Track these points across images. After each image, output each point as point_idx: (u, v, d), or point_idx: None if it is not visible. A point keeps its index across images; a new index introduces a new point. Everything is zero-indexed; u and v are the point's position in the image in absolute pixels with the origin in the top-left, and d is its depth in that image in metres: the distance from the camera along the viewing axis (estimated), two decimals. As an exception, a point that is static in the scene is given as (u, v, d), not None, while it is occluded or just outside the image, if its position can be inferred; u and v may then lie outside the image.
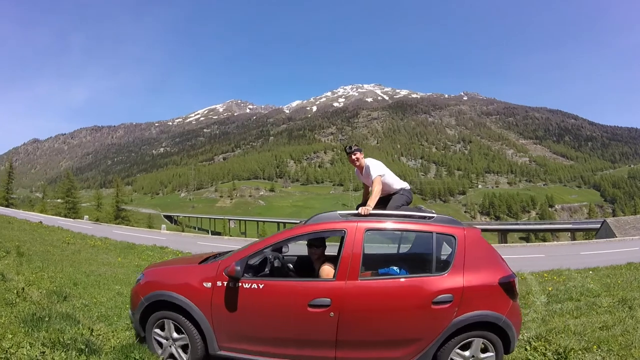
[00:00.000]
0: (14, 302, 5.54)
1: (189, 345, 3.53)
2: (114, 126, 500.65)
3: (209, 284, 3.48)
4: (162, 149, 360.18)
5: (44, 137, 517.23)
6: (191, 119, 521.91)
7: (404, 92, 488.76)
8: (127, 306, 4.72)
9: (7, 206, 51.73)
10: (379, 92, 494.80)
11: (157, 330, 3.72)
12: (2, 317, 4.67)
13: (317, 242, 3.98)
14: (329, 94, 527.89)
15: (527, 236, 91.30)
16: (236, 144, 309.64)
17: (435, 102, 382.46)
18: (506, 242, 60.58)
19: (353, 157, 4.58)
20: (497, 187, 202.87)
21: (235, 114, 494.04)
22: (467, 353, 3.30)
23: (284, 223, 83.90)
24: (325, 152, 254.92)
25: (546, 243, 39.60)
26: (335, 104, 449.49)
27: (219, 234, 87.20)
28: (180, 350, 3.61)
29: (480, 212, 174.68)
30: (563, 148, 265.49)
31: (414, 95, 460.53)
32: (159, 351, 3.69)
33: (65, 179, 70.33)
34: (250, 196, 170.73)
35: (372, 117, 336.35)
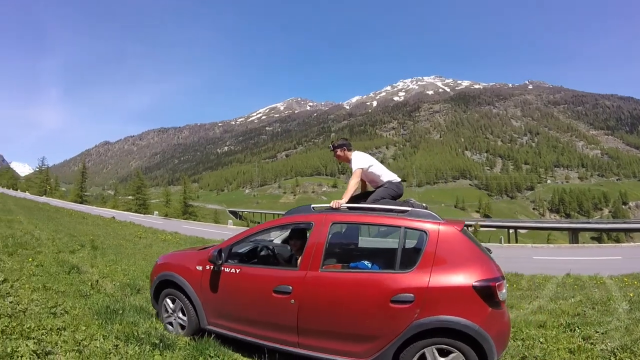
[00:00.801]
0: (88, 294, 6.00)
1: (187, 317, 4.44)
2: (180, 127, 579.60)
3: (200, 267, 4.31)
4: (226, 148, 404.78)
5: (114, 140, 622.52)
6: (253, 118, 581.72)
7: (465, 83, 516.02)
8: None
9: (81, 203, 60.59)
10: (439, 84, 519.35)
11: (168, 302, 4.69)
12: (76, 308, 5.04)
13: (295, 234, 4.46)
14: (388, 88, 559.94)
15: (599, 236, 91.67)
16: (298, 141, 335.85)
17: (499, 93, 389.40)
18: (577, 242, 58.88)
19: (338, 152, 4.82)
20: (567, 182, 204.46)
21: (296, 112, 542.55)
22: None
23: None
24: (387, 148, 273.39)
25: (622, 244, 37.50)
26: (396, 98, 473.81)
27: None
28: (180, 321, 4.56)
29: (550, 209, 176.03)
30: (637, 139, 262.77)
31: (477, 86, 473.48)
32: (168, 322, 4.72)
33: (135, 178, 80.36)
34: (313, 192, 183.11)
35: (434, 111, 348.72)
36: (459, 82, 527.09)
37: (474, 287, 3.21)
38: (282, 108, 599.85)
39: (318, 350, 3.64)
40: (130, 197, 76.70)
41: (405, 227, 3.56)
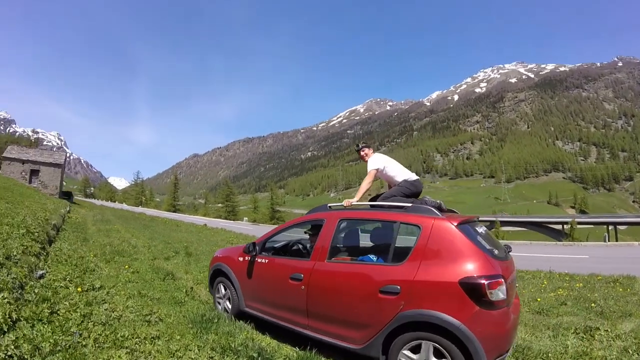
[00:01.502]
0: (182, 301, 6.17)
1: (231, 300, 5.66)
2: (264, 136, 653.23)
3: (241, 258, 5.46)
4: (309, 153, 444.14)
5: (203, 152, 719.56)
6: (334, 122, 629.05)
7: (550, 67, 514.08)
8: None
9: (174, 211, 69.72)
10: (522, 70, 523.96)
11: (220, 288, 5.98)
12: (170, 316, 5.14)
13: (313, 229, 5.27)
14: (469, 80, 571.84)
15: None
16: (380, 142, 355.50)
17: (587, 73, 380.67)
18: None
19: (362, 153, 5.78)
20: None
21: (376, 113, 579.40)
22: (416, 357, 3.46)
23: None
24: (472, 143, 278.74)
25: None
26: (477, 90, 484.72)
27: None
28: (227, 304, 5.77)
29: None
30: None
31: (562, 69, 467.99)
32: (218, 304, 6.01)
33: (224, 186, 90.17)
34: None
35: (519, 99, 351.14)
36: (543, 66, 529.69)
37: (460, 283, 3.34)
38: (362, 110, 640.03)
39: (322, 333, 4.31)
40: (219, 204, 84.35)
41: (401, 222, 4.01)
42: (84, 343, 3.92)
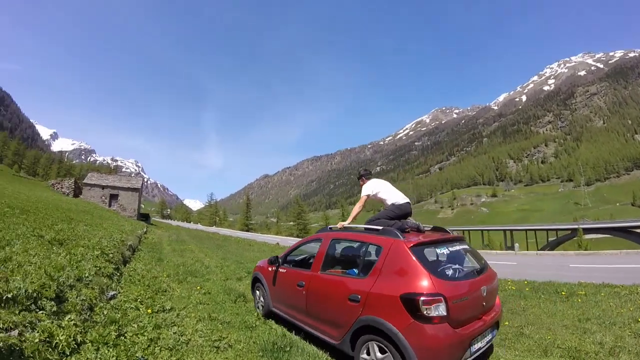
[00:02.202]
0: (253, 325, 5.99)
1: (264, 302, 6.99)
2: (331, 154, 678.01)
3: (270, 268, 6.83)
4: (378, 168, 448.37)
5: (273, 172, 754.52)
6: (401, 134, 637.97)
7: (618, 54, 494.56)
8: None
9: (247, 230, 72.90)
10: (590, 61, 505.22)
11: (256, 293, 7.47)
12: (240, 342, 4.95)
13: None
14: (535, 78, 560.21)
15: None
16: (450, 151, 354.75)
17: None
18: None
19: (360, 181, 6.97)
20: None
21: (442, 122, 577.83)
22: (370, 354, 4.28)
23: (510, 230, 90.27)
24: (546, 145, 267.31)
25: None
26: (546, 88, 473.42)
27: None
28: (261, 305, 7.12)
29: None
30: None
31: (632, 54, 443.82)
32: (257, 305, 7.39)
33: (295, 204, 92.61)
34: (471, 204, 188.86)
35: (591, 93, 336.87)
36: (611, 54, 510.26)
37: (400, 297, 3.99)
38: (428, 120, 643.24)
39: (314, 329, 5.41)
40: (291, 223, 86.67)
41: (369, 243, 4.93)
42: (149, 369, 3.79)
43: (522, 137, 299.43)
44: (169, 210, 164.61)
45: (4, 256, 6.35)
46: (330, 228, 6.13)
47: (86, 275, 6.65)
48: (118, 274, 8.92)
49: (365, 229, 5.32)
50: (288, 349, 4.80)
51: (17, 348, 3.05)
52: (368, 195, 6.39)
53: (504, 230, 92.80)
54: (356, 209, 6.55)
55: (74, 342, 3.84)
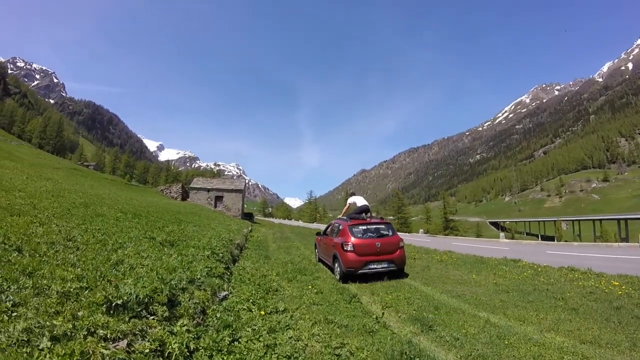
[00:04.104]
0: (373, 329, 5.57)
1: (317, 256, 14.95)
2: (428, 144, 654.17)
3: (318, 238, 14.70)
4: (477, 156, 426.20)
5: (370, 167, 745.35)
6: (500, 118, 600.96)
7: None
8: (507, 343, 5.23)
9: None
10: None
11: (315, 252, 15.65)
12: (363, 350, 4.52)
13: (332, 225, 13.31)
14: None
15: None
16: (554, 133, 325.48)
17: None
18: None
19: (348, 196, 14.96)
20: None
21: (544, 101, 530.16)
22: (335, 266, 11.41)
23: (625, 220, 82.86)
24: None
25: None
26: None
27: (550, 238, 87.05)
28: (316, 258, 15.03)
29: None
30: None
31: None
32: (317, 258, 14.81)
33: (394, 198, 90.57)
34: (581, 191, 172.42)
35: None
36: None
37: (340, 243, 10.65)
38: (527, 100, 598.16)
39: (327, 261, 12.60)
40: (391, 217, 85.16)
41: (340, 224, 11.87)
42: (266, 382, 3.43)
43: (633, 111, 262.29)
44: (270, 208, 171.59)
45: (116, 259, 6.48)
46: (339, 218, 13.15)
47: (198, 276, 6.64)
48: (228, 273, 8.98)
49: (347, 217, 12.08)
50: (417, 359, 4.21)
51: (126, 361, 2.82)
52: (349, 204, 13.08)
53: (618, 220, 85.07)
54: (345, 209, 13.21)
55: (186, 350, 3.64)
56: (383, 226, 11.01)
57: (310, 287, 8.40)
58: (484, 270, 11.34)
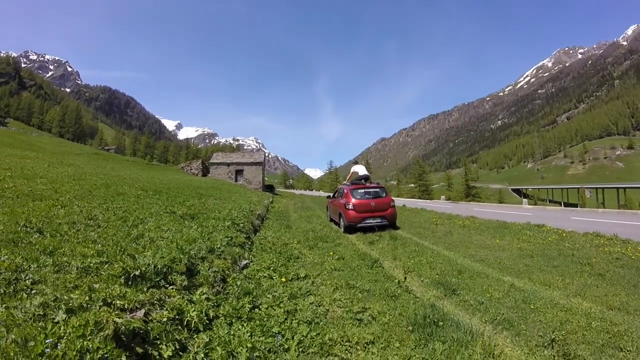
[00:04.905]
0: (395, 294, 5.49)
1: (327, 216, 18.13)
2: (448, 111, 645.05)
3: (328, 200, 18.10)
4: (499, 122, 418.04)
5: (389, 135, 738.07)
6: (521, 83, 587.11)
7: None
8: (532, 307, 5.14)
9: None
10: None
11: (327, 212, 18.54)
12: (385, 314, 4.46)
13: (339, 190, 16.01)
14: None
15: None
16: (577, 98, 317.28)
17: None
18: None
19: (353, 163, 17.23)
20: None
21: (566, 65, 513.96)
22: (340, 221, 14.47)
23: None
24: None
25: None
26: None
27: (573, 205, 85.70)
28: (327, 217, 18.24)
29: None
30: None
31: None
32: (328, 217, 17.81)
33: (415, 166, 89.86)
34: (605, 158, 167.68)
35: None
36: None
37: (343, 203, 13.50)
38: (550, 64, 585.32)
39: (336, 220, 15.34)
40: (412, 185, 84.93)
41: (344, 188, 14.54)
42: (286, 346, 3.40)
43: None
44: (291, 180, 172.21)
45: (136, 233, 6.57)
46: (344, 184, 15.69)
47: (218, 246, 6.64)
48: (249, 242, 8.99)
49: (350, 183, 15.11)
50: (441, 323, 4.12)
51: (142, 330, 2.78)
52: (351, 172, 15.84)
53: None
54: (349, 176, 16.16)
55: (205, 318, 3.62)
56: (378, 190, 13.83)
57: (331, 253, 8.33)
58: (507, 235, 11.11)
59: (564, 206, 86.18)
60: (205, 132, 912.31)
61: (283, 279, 5.82)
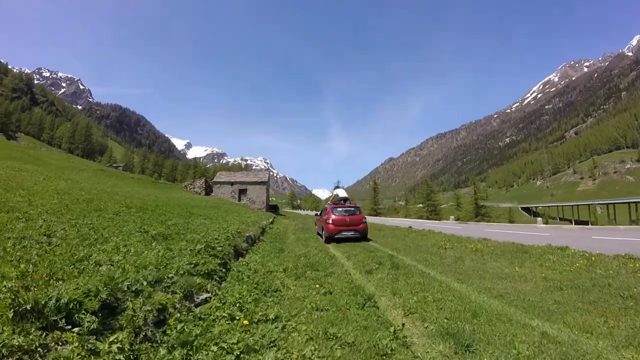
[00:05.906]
0: (388, 350, 4.11)
1: (316, 231, 22.35)
2: (456, 129, 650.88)
3: (316, 217, 22.71)
4: (507, 139, 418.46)
5: (397, 155, 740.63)
6: (528, 99, 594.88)
7: None
8: None
9: (376, 215, 72.76)
10: None
11: (315, 227, 23.72)
12: None
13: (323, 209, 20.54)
14: None
15: None
16: (585, 112, 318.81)
17: None
18: None
19: (334, 188, 28.13)
20: None
21: (573, 79, 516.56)
22: (322, 233, 19.27)
23: None
24: None
25: None
26: None
27: (584, 222, 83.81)
28: (316, 232, 22.31)
29: None
30: None
31: None
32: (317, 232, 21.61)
33: (423, 185, 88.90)
34: (615, 172, 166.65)
35: None
36: None
37: (325, 220, 17.28)
38: (556, 79, 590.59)
39: (321, 233, 18.77)
40: (420, 205, 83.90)
41: (326, 207, 18.57)
42: None
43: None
44: (298, 200, 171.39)
45: (82, 255, 5.70)
46: (328, 203, 20.21)
47: (171, 275, 5.38)
48: (224, 270, 7.70)
49: (332, 203, 19.68)
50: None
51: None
52: (333, 195, 22.13)
53: (655, 203, 79.73)
54: (332, 198, 22.17)
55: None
56: (353, 209, 17.82)
57: (317, 286, 6.96)
58: (527, 261, 9.67)
59: (575, 224, 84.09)
60: (214, 152, 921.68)
61: (246, 322, 4.54)
